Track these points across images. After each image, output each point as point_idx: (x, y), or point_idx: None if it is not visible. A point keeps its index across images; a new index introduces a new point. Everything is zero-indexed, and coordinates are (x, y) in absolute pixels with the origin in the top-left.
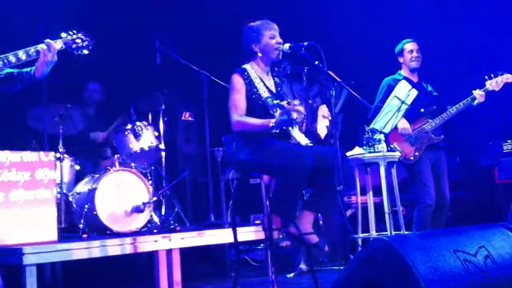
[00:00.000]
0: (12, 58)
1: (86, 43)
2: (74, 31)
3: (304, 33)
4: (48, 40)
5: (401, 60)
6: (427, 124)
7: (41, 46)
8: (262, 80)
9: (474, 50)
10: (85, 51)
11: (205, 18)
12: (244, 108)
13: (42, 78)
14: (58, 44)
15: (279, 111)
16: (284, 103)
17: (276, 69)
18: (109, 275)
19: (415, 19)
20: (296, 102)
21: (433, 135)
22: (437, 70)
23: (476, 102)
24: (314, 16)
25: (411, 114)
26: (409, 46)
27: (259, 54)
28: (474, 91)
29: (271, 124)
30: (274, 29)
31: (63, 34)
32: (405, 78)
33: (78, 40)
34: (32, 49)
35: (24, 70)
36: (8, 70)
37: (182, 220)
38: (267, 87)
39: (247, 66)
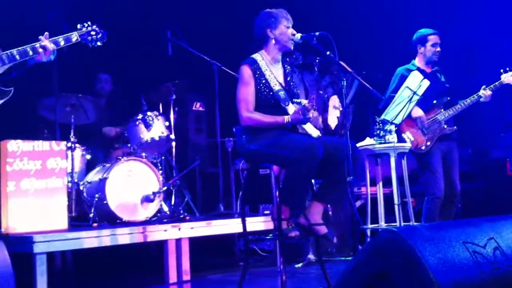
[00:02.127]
0: (5, 58)
1: (100, 35)
2: (89, 23)
3: (316, 23)
4: (43, 40)
5: (420, 49)
6: (440, 114)
7: (40, 44)
8: (272, 72)
9: (484, 43)
10: (99, 43)
11: (216, 8)
12: (253, 102)
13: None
14: (73, 37)
15: (291, 106)
16: (304, 102)
17: (287, 59)
18: (118, 264)
19: (427, 10)
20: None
21: (445, 126)
22: (448, 62)
23: (482, 99)
24: (326, 6)
25: (424, 105)
26: (434, 38)
27: (273, 41)
28: (481, 90)
29: (286, 121)
30: (290, 21)
31: (79, 26)
32: (419, 69)
33: (92, 32)
34: (28, 48)
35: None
36: None
37: (191, 210)
38: (277, 80)
39: (257, 57)
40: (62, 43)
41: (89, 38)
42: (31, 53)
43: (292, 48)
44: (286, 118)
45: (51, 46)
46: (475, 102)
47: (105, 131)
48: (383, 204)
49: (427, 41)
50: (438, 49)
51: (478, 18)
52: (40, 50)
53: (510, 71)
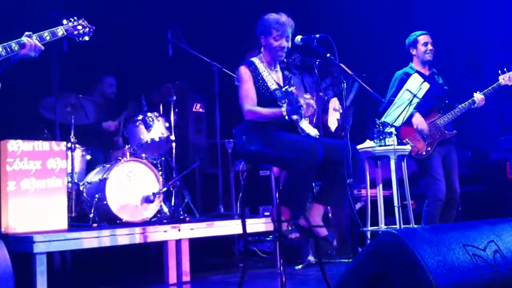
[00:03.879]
0: None
1: (87, 29)
2: (75, 18)
3: (317, 25)
4: (27, 37)
5: (413, 52)
6: (439, 119)
7: (25, 40)
8: (269, 74)
9: (483, 44)
10: (86, 38)
11: (217, 9)
12: (255, 98)
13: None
14: (59, 31)
15: (287, 101)
16: (292, 88)
17: (285, 60)
18: (118, 264)
19: (427, 12)
20: (307, 96)
21: (446, 131)
22: (446, 64)
23: (476, 105)
24: (327, 8)
25: (423, 108)
26: (424, 38)
27: (262, 50)
28: (474, 94)
29: (284, 113)
30: (282, 30)
31: (64, 21)
32: (417, 72)
33: (79, 27)
34: (13, 44)
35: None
36: None
37: (191, 211)
38: (275, 81)
39: (255, 60)
40: (48, 37)
41: (76, 32)
42: (16, 48)
43: (282, 58)
44: (284, 111)
45: (34, 40)
46: (468, 108)
47: (104, 126)
48: (383, 206)
49: (417, 42)
50: (430, 47)
51: (480, 19)
52: (27, 43)
53: (508, 72)
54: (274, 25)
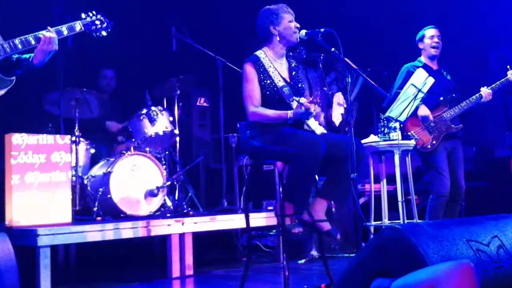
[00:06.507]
0: (6, 47)
1: (105, 24)
2: (94, 12)
3: (321, 19)
4: (49, 28)
5: (421, 46)
6: (446, 112)
7: (41, 33)
8: (276, 69)
9: (487, 41)
10: (104, 33)
11: (221, 3)
12: (259, 98)
13: (40, 65)
14: (77, 26)
15: (296, 103)
16: (303, 100)
17: (291, 53)
18: (122, 258)
19: (432, 7)
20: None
21: (452, 125)
22: (450, 61)
23: (483, 99)
24: (331, 2)
25: (430, 102)
26: (430, 32)
27: (277, 38)
28: (482, 89)
29: (288, 116)
30: (292, 14)
31: (83, 15)
32: (425, 66)
33: (97, 22)
34: (30, 37)
35: (23, 56)
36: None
37: (195, 205)
38: (282, 76)
39: (260, 54)
40: (65, 32)
41: (93, 27)
42: (33, 42)
43: (297, 41)
44: (289, 113)
45: (52, 34)
46: (476, 102)
47: (108, 126)
48: (387, 201)
49: (424, 36)
50: (436, 40)
51: (484, 16)
52: (42, 37)
53: None
54: (283, 10)
